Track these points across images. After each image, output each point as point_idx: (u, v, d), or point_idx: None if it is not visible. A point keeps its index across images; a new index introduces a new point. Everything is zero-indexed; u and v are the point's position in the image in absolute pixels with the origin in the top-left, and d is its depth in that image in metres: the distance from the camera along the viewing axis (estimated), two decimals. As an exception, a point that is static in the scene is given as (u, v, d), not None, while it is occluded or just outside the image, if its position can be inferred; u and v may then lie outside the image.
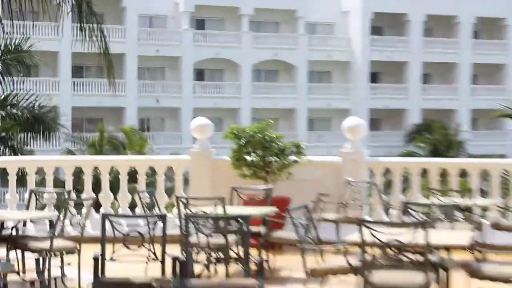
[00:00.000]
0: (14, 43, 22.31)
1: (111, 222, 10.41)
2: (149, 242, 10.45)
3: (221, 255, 11.74)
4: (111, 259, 10.25)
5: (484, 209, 16.27)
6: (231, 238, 11.42)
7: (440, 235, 11.66)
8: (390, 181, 18.69)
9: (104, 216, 10.69)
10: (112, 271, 10.31)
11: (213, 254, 11.76)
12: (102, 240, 10.35)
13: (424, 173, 18.85)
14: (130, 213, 16.90)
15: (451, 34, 77.95)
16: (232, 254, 11.52)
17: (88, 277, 10.60)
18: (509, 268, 10.96)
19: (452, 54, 77.12)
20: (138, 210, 16.47)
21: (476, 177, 18.11)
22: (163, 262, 10.39)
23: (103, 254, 10.12)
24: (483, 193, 18.20)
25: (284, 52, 72.52)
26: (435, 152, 57.53)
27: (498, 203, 17.41)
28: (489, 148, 66.02)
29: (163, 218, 10.81)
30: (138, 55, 67.34)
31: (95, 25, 17.81)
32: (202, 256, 12.00)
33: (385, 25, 76.25)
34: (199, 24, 71.11)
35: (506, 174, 18.58)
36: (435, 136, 63.02)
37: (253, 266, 10.79)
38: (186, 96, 68.84)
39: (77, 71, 63.01)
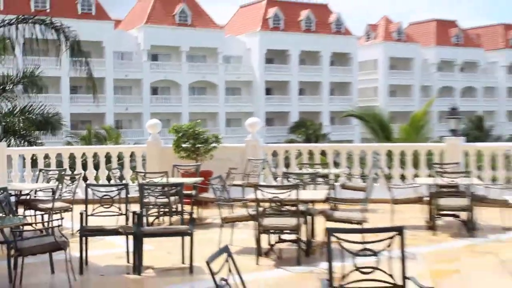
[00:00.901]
0: (30, 70, 22.81)
1: (92, 189, 10.59)
2: (117, 202, 10.58)
3: (165, 210, 11.94)
4: (92, 214, 10.31)
5: (336, 175, 16.45)
6: (172, 198, 11.58)
7: (307, 193, 11.82)
8: (286, 157, 18.91)
9: (87, 186, 10.81)
10: (93, 222, 10.35)
11: (160, 209, 11.98)
12: (86, 201, 10.40)
13: (299, 153, 19.11)
14: (106, 183, 16.97)
15: (316, 63, 78.83)
16: (173, 209, 11.77)
17: (77, 226, 10.55)
18: (350, 213, 11.12)
19: (317, 76, 78.36)
20: (112, 181, 16.61)
21: (331, 155, 18.43)
22: (127, 215, 10.44)
23: (86, 211, 10.17)
24: (336, 165, 18.43)
25: (209, 75, 73.10)
26: (308, 140, 58.15)
27: (345, 171, 17.71)
28: (342, 137, 67.20)
29: (126, 186, 10.98)
30: (114, 78, 67.46)
31: (83, 59, 18.52)
32: (153, 211, 12.18)
33: (274, 57, 76.71)
34: (154, 57, 71.27)
35: (350, 154, 18.90)
36: (308, 129, 64.02)
37: (186, 217, 10.81)
38: (145, 105, 69.03)
39: (73, 89, 63.22)
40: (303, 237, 10.54)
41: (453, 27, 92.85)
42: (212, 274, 4.64)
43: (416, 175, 17.10)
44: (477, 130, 61.62)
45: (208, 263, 4.66)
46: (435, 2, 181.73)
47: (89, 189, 10.58)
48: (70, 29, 18.54)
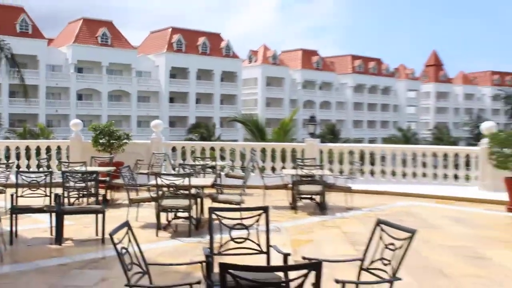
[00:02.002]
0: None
1: (21, 175, 10.32)
2: (43, 186, 10.23)
3: (84, 192, 11.67)
4: (22, 196, 9.96)
5: (222, 166, 16.45)
6: (90, 183, 11.32)
7: (198, 180, 11.77)
8: (183, 152, 18.75)
9: (17, 172, 10.57)
10: (23, 202, 10.02)
11: (80, 192, 11.71)
12: (16, 185, 10.07)
13: (194, 149, 19.01)
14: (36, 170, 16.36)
15: (210, 78, 79.41)
16: (90, 192, 11.55)
17: (8, 205, 10.10)
18: (231, 196, 11.16)
19: (210, 89, 79.13)
20: (41, 169, 16.09)
21: (218, 150, 18.51)
22: (50, 196, 10.10)
23: (16, 193, 9.82)
24: (222, 158, 18.47)
25: (124, 86, 72.20)
26: (203, 139, 57.86)
27: (229, 163, 17.79)
28: (229, 137, 67.38)
29: (51, 173, 10.62)
30: (46, 86, 65.61)
31: (17, 69, 18.48)
32: (74, 193, 11.88)
33: (176, 73, 76.28)
34: (79, 69, 69.61)
35: (233, 150, 19.01)
36: (202, 130, 63.83)
37: (101, 198, 10.62)
38: (72, 108, 67.44)
39: (12, 93, 60.35)
40: (194, 215, 10.61)
41: (315, 55, 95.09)
42: (114, 244, 4.55)
43: (283, 167, 17.40)
44: (331, 134, 63.26)
45: (111, 235, 4.58)
46: (302, 35, 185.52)
47: (19, 175, 10.43)
48: (7, 44, 18.45)
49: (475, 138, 21.77)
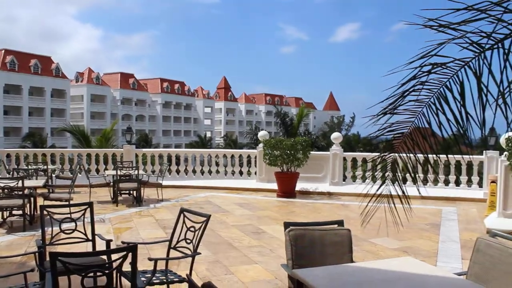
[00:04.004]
0: None
1: None
2: None
3: None
4: None
5: (53, 170, 15.35)
6: None
7: (31, 182, 10.84)
8: (17, 158, 17.01)
9: None
10: None
11: None
12: None
13: (27, 155, 17.38)
14: None
15: (42, 95, 73.36)
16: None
17: None
18: (61, 194, 10.47)
19: (42, 103, 72.72)
20: None
21: (49, 156, 17.16)
22: None
23: None
24: (53, 162, 17.21)
25: None
26: (36, 146, 53.17)
27: (59, 167, 16.70)
28: (61, 144, 62.87)
29: None
30: None
31: None
32: None
33: (10, 89, 69.17)
34: None
35: (62, 155, 17.83)
36: (35, 139, 58.92)
37: None
38: None
39: None
40: (28, 212, 9.73)
41: (131, 77, 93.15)
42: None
43: (106, 169, 16.73)
44: (144, 141, 62.32)
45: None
46: (121, 61, 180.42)
47: None
48: None
49: (254, 143, 22.91)
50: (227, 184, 16.19)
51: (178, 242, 5.09)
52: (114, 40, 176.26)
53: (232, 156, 17.89)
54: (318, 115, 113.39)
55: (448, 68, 2.78)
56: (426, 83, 2.85)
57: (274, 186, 14.67)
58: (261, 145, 15.80)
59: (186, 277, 4.80)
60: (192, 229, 4.96)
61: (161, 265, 5.15)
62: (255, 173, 16.86)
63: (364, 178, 15.90)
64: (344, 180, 16.01)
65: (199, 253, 4.92)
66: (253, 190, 15.40)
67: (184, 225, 5.06)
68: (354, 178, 16.00)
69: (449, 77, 2.82)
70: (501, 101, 2.49)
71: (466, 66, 2.74)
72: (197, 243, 4.87)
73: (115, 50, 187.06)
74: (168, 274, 4.96)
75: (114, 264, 3.83)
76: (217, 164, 17.78)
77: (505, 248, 3.88)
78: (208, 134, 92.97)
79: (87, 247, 5.41)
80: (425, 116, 3.00)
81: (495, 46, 2.60)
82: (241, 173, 17.47)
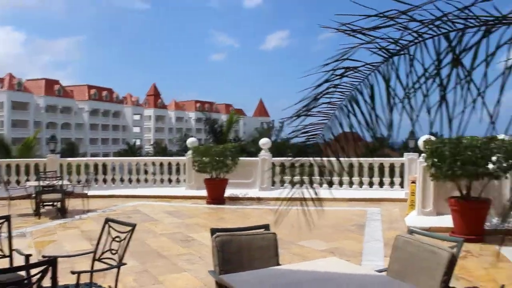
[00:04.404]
0: None
1: None
2: None
3: None
4: None
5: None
6: None
7: None
8: None
9: None
10: None
11: None
12: None
13: None
14: None
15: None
16: None
17: None
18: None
19: None
20: None
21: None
22: None
23: None
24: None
25: None
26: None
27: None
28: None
29: None
30: None
31: None
32: None
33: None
34: None
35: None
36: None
37: None
38: None
39: None
40: None
41: (57, 84, 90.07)
42: None
43: (27, 180, 15.91)
44: (70, 150, 60.04)
45: None
46: (46, 67, 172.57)
47: None
48: None
49: (184, 150, 22.72)
50: (156, 192, 15.92)
51: (103, 253, 4.92)
52: (37, 44, 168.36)
53: (161, 164, 17.61)
54: (248, 121, 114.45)
55: (360, 72, 2.89)
56: (339, 86, 2.95)
57: (204, 193, 14.58)
58: (190, 152, 15.67)
59: (109, 289, 4.66)
60: (117, 239, 4.82)
61: (85, 278, 4.95)
62: (185, 181, 16.68)
63: (292, 183, 16.15)
64: (273, 185, 16.20)
65: (125, 264, 4.79)
66: (182, 197, 15.23)
67: (109, 236, 4.91)
68: (282, 182, 16.24)
69: (360, 80, 2.93)
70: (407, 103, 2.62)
71: (376, 70, 2.86)
72: (123, 253, 4.73)
73: (39, 55, 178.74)
74: (93, 287, 4.79)
75: (33, 280, 3.64)
76: (145, 172, 17.43)
77: (422, 244, 4.08)
78: (138, 142, 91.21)
79: (4, 263, 5.10)
80: (338, 119, 3.10)
81: (402, 52, 2.73)
82: (170, 181, 17.21)
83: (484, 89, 2.39)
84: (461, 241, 4.07)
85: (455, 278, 6.38)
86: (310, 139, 3.22)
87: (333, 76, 2.84)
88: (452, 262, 3.76)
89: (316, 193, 3.45)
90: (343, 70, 2.84)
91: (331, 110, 3.09)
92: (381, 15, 2.51)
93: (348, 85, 2.95)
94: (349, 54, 2.72)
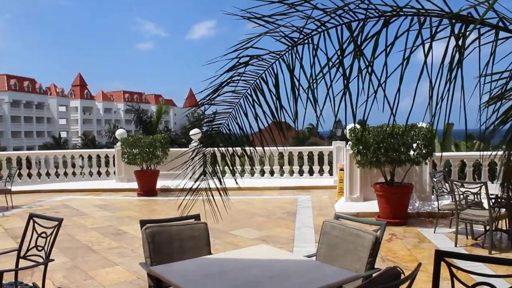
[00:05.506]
0: None
1: None
2: None
3: None
4: None
5: None
6: None
7: None
8: None
9: None
10: None
11: None
12: None
13: None
14: None
15: None
16: None
17: None
18: None
19: None
20: None
21: None
22: None
23: None
24: None
25: None
26: None
27: None
28: None
29: None
30: None
31: None
32: None
33: None
34: None
35: None
36: None
37: None
38: None
39: None
40: None
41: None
42: None
43: None
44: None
45: None
46: (1, 57, 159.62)
47: None
48: None
49: (113, 142, 22.16)
50: (85, 186, 15.46)
51: (28, 250, 4.75)
52: None
53: (90, 157, 17.09)
54: (179, 112, 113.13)
55: (264, 61, 2.88)
56: (243, 75, 2.93)
57: (135, 185, 14.34)
58: (119, 143, 15.33)
59: (33, 286, 4.52)
60: (43, 235, 4.66)
61: (10, 278, 4.77)
62: (114, 173, 16.30)
63: (224, 173, 16.22)
64: (205, 175, 16.15)
65: (52, 260, 4.64)
66: (112, 190, 14.89)
67: (34, 232, 4.74)
68: (214, 173, 16.22)
69: (265, 69, 2.93)
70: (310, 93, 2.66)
71: (280, 59, 2.86)
72: (50, 249, 4.59)
73: None
74: (19, 286, 4.62)
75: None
76: (73, 165, 16.86)
77: (347, 228, 4.27)
78: (64, 135, 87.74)
79: None
80: (242, 108, 3.09)
81: (306, 41, 2.75)
82: (99, 173, 16.76)
83: (385, 79, 2.47)
84: (384, 224, 4.29)
85: (382, 259, 6.73)
86: (214, 129, 3.22)
87: (237, 64, 2.82)
88: (376, 244, 3.97)
89: (221, 183, 3.49)
90: (247, 58, 2.82)
91: (235, 99, 3.09)
92: (284, 2, 2.51)
93: (252, 73, 2.95)
94: (253, 42, 2.71)
